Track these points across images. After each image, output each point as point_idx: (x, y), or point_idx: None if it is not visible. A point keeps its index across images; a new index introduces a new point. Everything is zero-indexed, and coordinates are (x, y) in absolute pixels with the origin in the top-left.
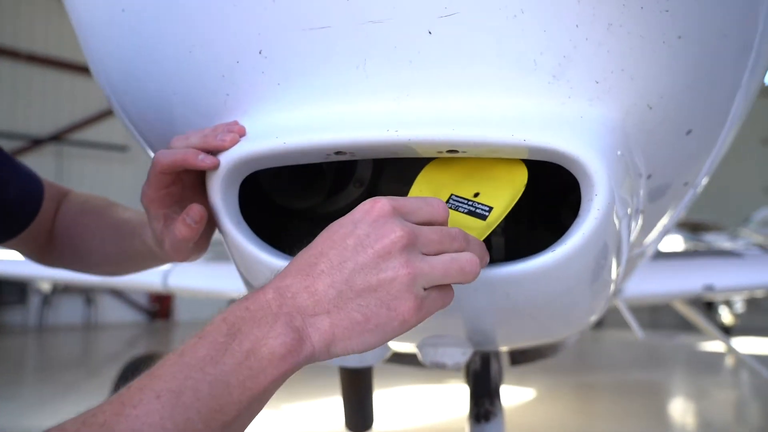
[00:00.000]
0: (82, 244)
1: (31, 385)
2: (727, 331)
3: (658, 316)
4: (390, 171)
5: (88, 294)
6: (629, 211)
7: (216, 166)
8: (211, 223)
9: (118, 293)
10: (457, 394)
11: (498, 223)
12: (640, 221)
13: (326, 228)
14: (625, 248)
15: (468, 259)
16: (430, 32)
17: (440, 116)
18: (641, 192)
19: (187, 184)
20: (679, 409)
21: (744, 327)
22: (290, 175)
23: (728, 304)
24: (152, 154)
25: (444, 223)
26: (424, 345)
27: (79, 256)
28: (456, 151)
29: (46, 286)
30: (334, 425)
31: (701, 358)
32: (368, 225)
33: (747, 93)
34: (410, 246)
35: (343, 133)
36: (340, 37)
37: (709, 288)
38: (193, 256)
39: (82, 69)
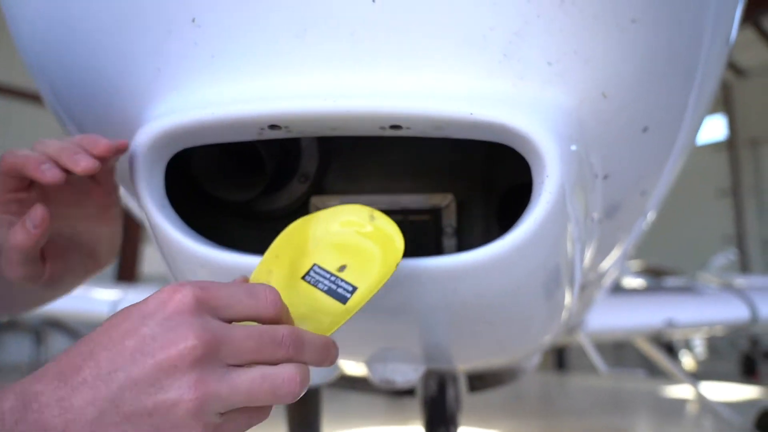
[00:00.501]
0: None
1: None
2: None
3: (623, 355)
4: (337, 166)
5: (38, 331)
6: (584, 211)
7: (57, 181)
8: (76, 250)
9: (70, 331)
10: None
11: (358, 309)
12: (595, 232)
13: (111, 315)
14: (580, 253)
15: (287, 377)
16: (374, 0)
17: (384, 91)
18: (597, 195)
19: (51, 194)
20: None
21: (705, 372)
22: (226, 165)
23: (689, 347)
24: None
25: (274, 320)
26: (373, 361)
27: None
28: (399, 127)
29: None
30: None
31: (664, 403)
32: (158, 323)
33: (701, 90)
34: (207, 358)
35: (277, 103)
36: (279, 5)
37: (670, 323)
38: (36, 280)
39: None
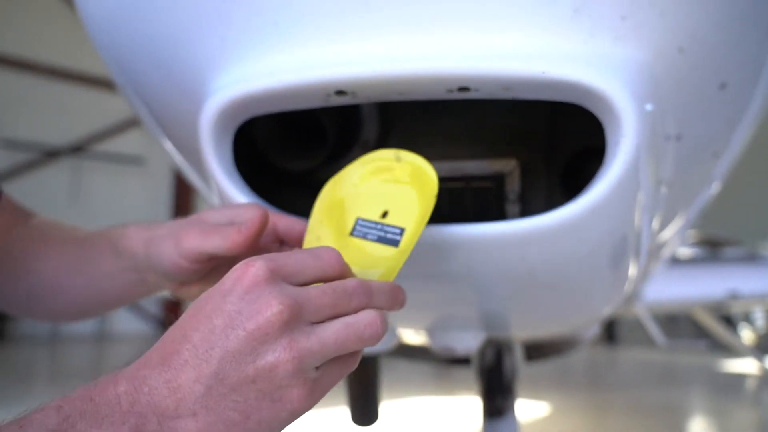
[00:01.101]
0: (40, 279)
1: (42, 390)
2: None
3: (676, 327)
4: (398, 132)
5: None
6: (656, 175)
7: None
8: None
9: (131, 304)
10: (469, 405)
11: (412, 247)
12: (665, 199)
13: (195, 300)
14: (648, 223)
15: (368, 321)
16: None
17: (452, 52)
18: (668, 158)
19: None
20: (698, 429)
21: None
22: (288, 134)
23: (749, 320)
24: (146, 110)
25: (340, 277)
26: (434, 328)
27: (36, 294)
28: (467, 89)
29: None
30: (340, 424)
31: (722, 377)
32: (239, 298)
33: None
34: (293, 321)
35: (343, 68)
36: None
37: (734, 294)
38: (182, 286)
39: (101, 82)
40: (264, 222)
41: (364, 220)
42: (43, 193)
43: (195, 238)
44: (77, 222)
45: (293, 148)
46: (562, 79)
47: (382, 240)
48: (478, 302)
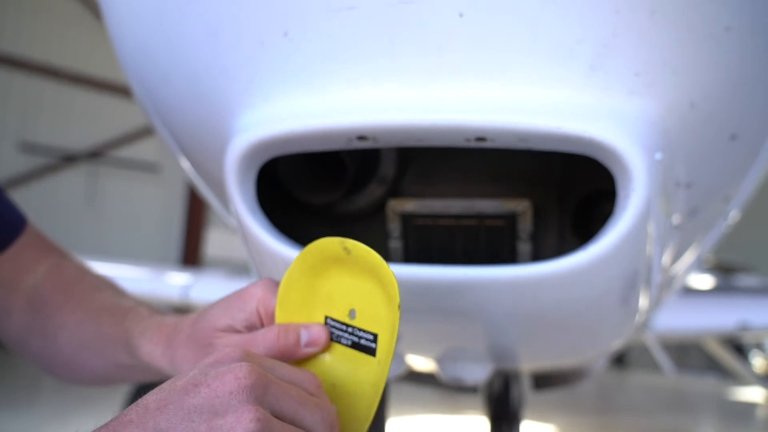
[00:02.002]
0: (50, 328)
1: (49, 398)
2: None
3: (686, 358)
4: (414, 170)
5: None
6: (666, 221)
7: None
8: None
9: None
10: (475, 424)
11: (391, 359)
12: (676, 239)
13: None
14: (659, 262)
15: None
16: (461, 15)
17: (470, 103)
18: (679, 204)
19: None
20: None
21: None
22: (310, 169)
23: (761, 348)
24: (173, 143)
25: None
26: (444, 359)
27: (43, 338)
28: (484, 139)
29: None
30: None
31: (731, 405)
32: (212, 399)
33: None
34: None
35: (366, 116)
36: (368, 19)
37: (744, 326)
38: None
39: (119, 89)
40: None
41: (333, 320)
42: (60, 197)
43: None
44: (93, 225)
45: (314, 182)
46: (576, 134)
47: (356, 346)
48: (489, 338)
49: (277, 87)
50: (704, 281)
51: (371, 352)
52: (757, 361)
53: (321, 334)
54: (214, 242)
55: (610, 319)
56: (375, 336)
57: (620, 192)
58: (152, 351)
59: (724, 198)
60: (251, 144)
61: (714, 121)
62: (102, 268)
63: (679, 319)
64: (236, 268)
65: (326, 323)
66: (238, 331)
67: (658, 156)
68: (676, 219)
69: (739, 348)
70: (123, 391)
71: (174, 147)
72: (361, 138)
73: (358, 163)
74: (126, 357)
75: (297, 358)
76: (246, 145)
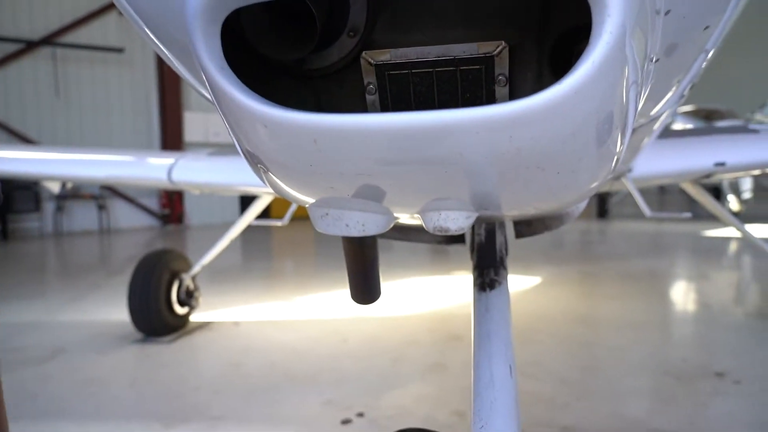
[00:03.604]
0: None
1: (56, 286)
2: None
3: (666, 199)
4: (386, 18)
5: (99, 200)
6: (643, 51)
7: None
8: None
9: (128, 199)
10: (464, 283)
11: None
12: (653, 71)
13: None
14: (636, 97)
15: None
16: None
17: None
18: (657, 31)
19: None
20: (682, 290)
21: (749, 215)
22: (277, 24)
23: (736, 190)
24: (134, 13)
25: None
26: (427, 210)
27: None
28: None
29: (55, 188)
30: (341, 312)
31: (704, 244)
32: None
33: None
34: None
35: None
36: None
37: (721, 165)
38: None
39: None
40: None
41: None
42: (25, 88)
43: None
44: (64, 114)
45: (282, 37)
46: None
47: None
48: (470, 184)
49: None
50: (684, 127)
51: None
52: (732, 204)
53: None
54: (191, 127)
55: (588, 159)
56: None
57: (595, 18)
58: None
59: (705, 27)
60: None
61: None
62: (83, 156)
63: (658, 164)
64: (216, 146)
65: None
66: None
67: None
68: (653, 52)
69: (716, 191)
70: (127, 275)
71: (134, 17)
72: None
73: (326, 14)
74: None
75: None
76: None
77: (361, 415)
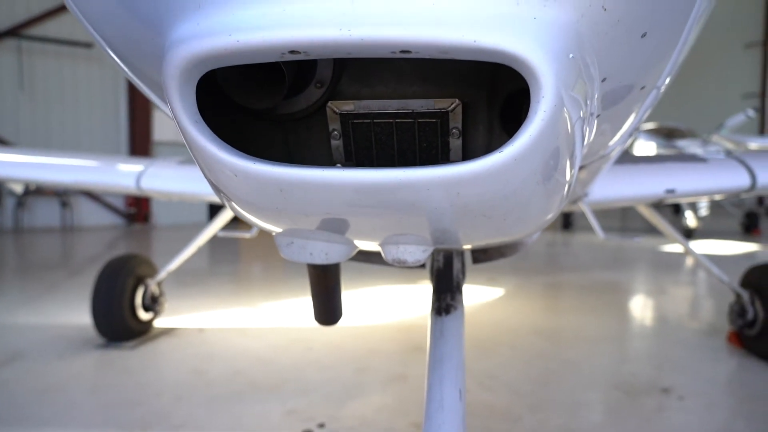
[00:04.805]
0: None
1: (14, 284)
2: (689, 234)
3: (628, 221)
4: (351, 71)
5: (62, 197)
6: (582, 114)
7: None
8: None
9: (93, 197)
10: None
11: None
12: (596, 125)
13: None
14: (578, 151)
15: None
16: None
17: (394, 16)
18: (595, 95)
19: None
20: (639, 304)
21: (706, 230)
22: (249, 75)
23: (693, 208)
24: (111, 53)
25: None
26: (386, 243)
27: None
28: (409, 52)
29: (18, 189)
30: (307, 320)
31: (663, 259)
32: None
33: None
34: None
35: (297, 31)
36: None
37: (671, 192)
38: None
39: None
40: None
41: None
42: None
43: None
44: (29, 107)
45: (254, 88)
46: (490, 47)
47: None
48: (426, 225)
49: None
50: (646, 147)
51: None
52: (690, 219)
53: None
54: (161, 126)
55: (533, 206)
56: None
57: (532, 98)
58: None
59: (642, 87)
60: (187, 59)
61: (625, 22)
62: (49, 160)
63: (612, 189)
64: (186, 154)
65: None
66: None
67: (571, 55)
68: (593, 111)
69: (676, 207)
70: (89, 276)
71: (112, 56)
72: (293, 52)
73: (295, 68)
74: None
75: None
76: (182, 60)
77: (322, 425)
